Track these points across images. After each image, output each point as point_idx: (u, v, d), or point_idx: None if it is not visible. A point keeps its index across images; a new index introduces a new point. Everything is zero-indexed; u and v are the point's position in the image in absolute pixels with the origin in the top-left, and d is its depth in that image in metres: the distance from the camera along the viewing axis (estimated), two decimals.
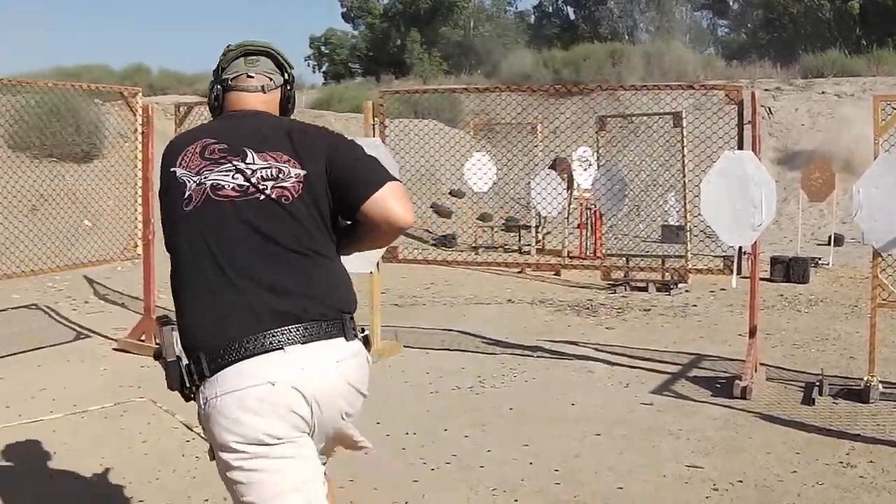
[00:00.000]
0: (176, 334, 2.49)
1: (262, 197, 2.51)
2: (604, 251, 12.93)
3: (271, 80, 2.80)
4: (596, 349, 7.63)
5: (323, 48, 52.40)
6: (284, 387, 2.39)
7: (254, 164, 2.56)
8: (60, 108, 11.63)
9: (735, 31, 51.64)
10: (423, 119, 17.05)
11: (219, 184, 2.54)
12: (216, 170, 2.56)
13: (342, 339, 2.51)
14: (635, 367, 6.95)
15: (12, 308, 9.57)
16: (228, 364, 2.39)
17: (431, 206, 15.47)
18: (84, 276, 10.98)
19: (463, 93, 13.61)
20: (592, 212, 13.32)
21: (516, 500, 4.33)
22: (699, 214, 6.68)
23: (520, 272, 12.01)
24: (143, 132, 7.92)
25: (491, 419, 5.64)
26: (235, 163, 2.56)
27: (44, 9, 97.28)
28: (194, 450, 5.12)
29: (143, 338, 7.72)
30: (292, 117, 2.88)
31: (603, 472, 4.67)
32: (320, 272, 2.55)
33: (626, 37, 45.32)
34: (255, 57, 2.80)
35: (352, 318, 2.58)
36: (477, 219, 15.29)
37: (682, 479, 4.58)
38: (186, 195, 2.55)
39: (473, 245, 14.49)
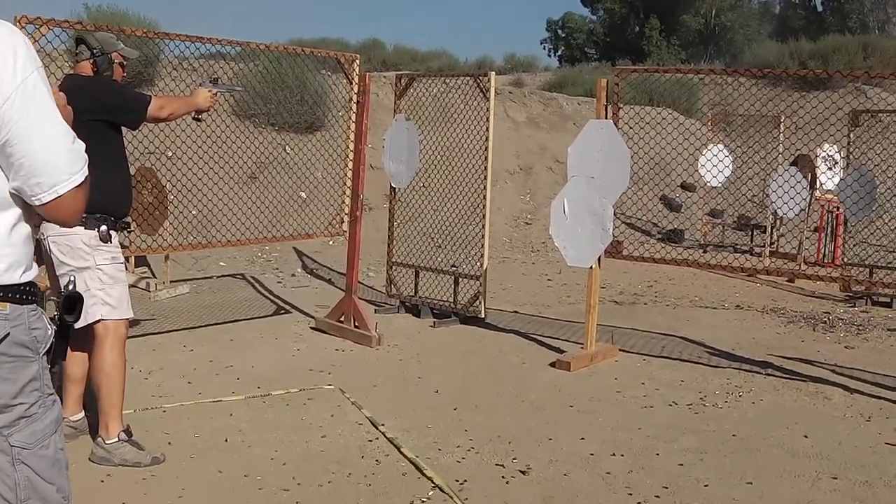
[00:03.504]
0: None
1: None
2: (844, 259, 11.89)
3: (81, 54, 4.77)
4: (833, 371, 6.85)
5: (560, 31, 52.01)
6: None
7: None
8: (287, 78, 11.63)
9: None
10: (657, 107, 16.33)
11: None
12: None
13: None
14: (879, 398, 6.12)
15: (217, 276, 9.70)
16: None
17: (661, 199, 14.69)
18: (294, 248, 11.03)
19: (708, 75, 12.81)
20: (834, 215, 12.30)
21: None
22: None
23: (750, 276, 11.22)
24: (358, 101, 7.56)
25: (710, 446, 5.07)
26: None
27: None
28: (376, 451, 4.83)
29: (341, 318, 7.50)
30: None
31: None
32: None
33: (876, 31, 42.76)
34: (79, 42, 4.82)
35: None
36: (706, 214, 14.49)
37: None
38: None
39: (702, 242, 13.74)
